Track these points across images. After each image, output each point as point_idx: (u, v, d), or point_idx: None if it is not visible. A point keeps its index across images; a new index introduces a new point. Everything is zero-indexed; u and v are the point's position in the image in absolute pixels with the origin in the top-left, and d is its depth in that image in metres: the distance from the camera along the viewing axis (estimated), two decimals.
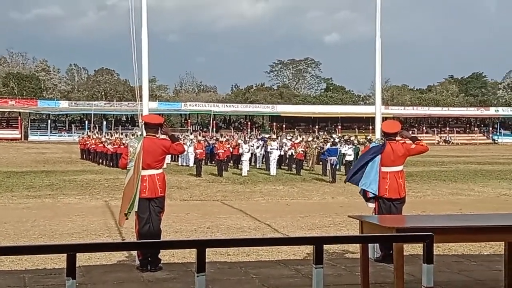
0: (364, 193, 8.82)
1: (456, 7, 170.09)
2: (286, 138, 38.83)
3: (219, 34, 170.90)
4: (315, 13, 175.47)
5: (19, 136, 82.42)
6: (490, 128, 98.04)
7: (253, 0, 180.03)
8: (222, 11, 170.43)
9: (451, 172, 32.40)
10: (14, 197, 19.59)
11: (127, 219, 8.29)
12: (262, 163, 35.78)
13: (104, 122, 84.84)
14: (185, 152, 28.88)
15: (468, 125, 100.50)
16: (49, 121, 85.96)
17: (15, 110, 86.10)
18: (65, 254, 2.94)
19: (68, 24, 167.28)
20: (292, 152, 33.51)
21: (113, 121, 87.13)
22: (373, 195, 8.71)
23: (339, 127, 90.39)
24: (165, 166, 8.81)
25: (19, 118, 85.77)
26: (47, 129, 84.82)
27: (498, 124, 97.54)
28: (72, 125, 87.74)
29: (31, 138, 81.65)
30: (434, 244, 3.98)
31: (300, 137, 43.01)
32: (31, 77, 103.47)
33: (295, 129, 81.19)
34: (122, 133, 52.12)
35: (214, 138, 41.83)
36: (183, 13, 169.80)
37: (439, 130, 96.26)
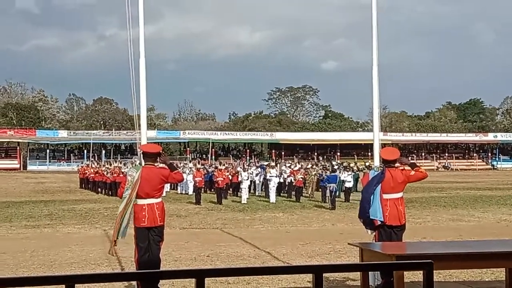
0: (369, 221, 8.78)
1: (453, 34, 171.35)
2: (285, 165, 38.84)
3: (217, 63, 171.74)
4: (312, 41, 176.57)
5: (18, 166, 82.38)
6: (489, 154, 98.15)
7: (250, 30, 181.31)
8: (220, 41, 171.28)
9: (451, 198, 32.35)
10: (13, 227, 19.51)
11: (115, 245, 8.31)
12: (262, 190, 35.74)
13: (103, 151, 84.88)
14: (184, 180, 28.87)
15: (467, 151, 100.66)
16: (48, 150, 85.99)
17: (14, 140, 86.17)
18: (64, 286, 2.93)
19: (66, 55, 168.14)
20: (291, 179, 33.48)
21: (112, 150, 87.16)
22: (380, 222, 8.69)
23: (338, 153, 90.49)
24: (164, 194, 8.82)
25: (18, 148, 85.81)
26: (46, 159, 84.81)
27: (497, 149, 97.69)
28: (71, 155, 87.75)
29: (30, 168, 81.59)
30: (435, 271, 3.96)
31: (299, 164, 43.00)
32: (29, 107, 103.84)
33: (294, 156, 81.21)
34: (121, 162, 52.06)
35: (213, 166, 41.80)
36: (181, 43, 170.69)
37: (438, 156, 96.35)
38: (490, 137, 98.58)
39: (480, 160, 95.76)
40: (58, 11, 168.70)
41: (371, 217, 8.72)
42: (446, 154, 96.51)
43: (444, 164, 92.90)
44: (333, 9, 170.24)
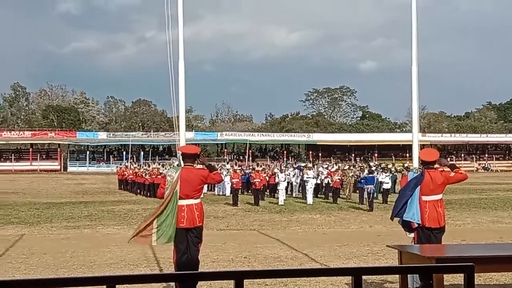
0: (407, 223, 8.70)
1: (493, 32, 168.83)
2: (323, 167, 38.69)
3: (254, 63, 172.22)
4: (350, 42, 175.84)
5: (58, 167, 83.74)
6: None
7: (287, 30, 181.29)
8: (257, 41, 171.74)
9: (491, 199, 31.87)
10: (54, 228, 19.81)
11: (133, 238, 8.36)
12: (299, 192, 35.67)
13: (142, 153, 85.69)
14: (222, 182, 28.98)
15: (507, 152, 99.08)
16: (87, 152, 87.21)
17: (54, 142, 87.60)
18: (105, 286, 2.97)
19: (106, 57, 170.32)
20: (328, 181, 33.34)
21: (150, 151, 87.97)
22: (417, 225, 8.61)
23: (376, 155, 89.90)
24: (202, 196, 8.86)
25: (59, 149, 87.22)
26: (86, 160, 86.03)
27: None
28: (110, 156, 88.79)
29: (70, 169, 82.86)
30: (475, 274, 3.91)
31: (336, 165, 42.81)
32: (70, 109, 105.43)
33: (331, 158, 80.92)
34: (159, 163, 52.51)
35: (251, 167, 41.87)
36: (218, 43, 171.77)
37: (477, 157, 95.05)
38: None
39: None
40: (97, 13, 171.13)
41: (405, 219, 8.63)
42: (486, 155, 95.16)
43: (484, 165, 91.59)
44: (371, 8, 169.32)
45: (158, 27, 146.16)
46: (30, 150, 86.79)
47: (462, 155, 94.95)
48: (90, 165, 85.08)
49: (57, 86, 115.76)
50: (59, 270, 11.61)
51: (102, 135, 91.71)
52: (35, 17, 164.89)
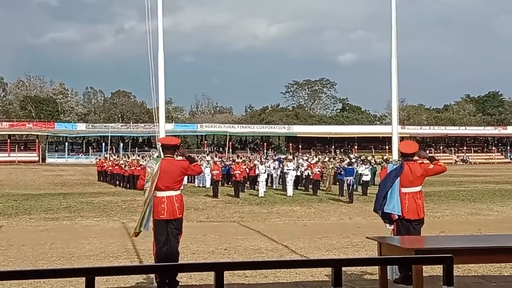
0: (387, 215, 8.73)
1: (472, 26, 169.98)
2: (303, 159, 38.76)
3: (234, 55, 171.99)
4: (330, 34, 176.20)
5: (36, 158, 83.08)
6: (508, 147, 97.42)
7: (268, 22, 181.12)
8: (237, 33, 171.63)
9: (470, 191, 32.15)
10: (32, 219, 19.67)
11: (135, 236, 8.38)
12: (279, 183, 35.72)
13: (121, 144, 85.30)
14: (202, 173, 28.93)
15: (485, 144, 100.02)
16: (66, 143, 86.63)
17: (32, 133, 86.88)
18: (84, 278, 2.95)
19: (85, 48, 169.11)
20: (308, 173, 33.42)
21: (129, 143, 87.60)
22: (398, 217, 8.65)
23: (356, 147, 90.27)
24: (182, 187, 8.83)
25: (37, 141, 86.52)
26: (65, 152, 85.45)
27: None
28: (89, 147, 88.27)
29: (48, 160, 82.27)
30: (454, 265, 3.94)
31: (316, 157, 42.92)
32: (48, 100, 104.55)
33: (311, 150, 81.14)
34: (139, 155, 52.32)
35: (231, 159, 41.84)
36: (198, 35, 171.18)
37: (456, 149, 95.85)
38: (509, 130, 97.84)
39: (499, 154, 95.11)
40: (76, 4, 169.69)
41: (386, 211, 8.67)
42: (465, 148, 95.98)
43: (462, 157, 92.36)
44: (352, 1, 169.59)
45: (138, 18, 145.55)
46: (8, 141, 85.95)
47: (441, 147, 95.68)
48: (69, 156, 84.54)
49: (35, 77, 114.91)
50: (37, 262, 11.54)
51: (81, 127, 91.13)
52: (14, 8, 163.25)
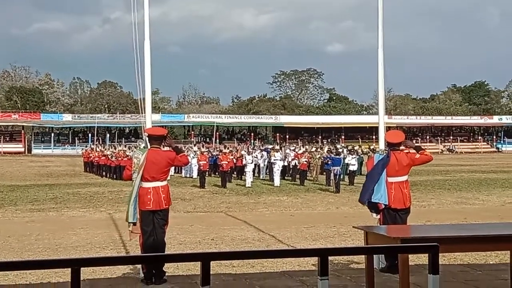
0: (374, 204, 8.76)
1: (458, 16, 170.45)
2: (290, 149, 38.82)
3: (221, 45, 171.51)
4: (318, 24, 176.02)
5: (22, 149, 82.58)
6: (494, 137, 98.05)
7: (255, 12, 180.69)
8: (224, 23, 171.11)
9: (456, 181, 32.35)
10: (18, 210, 19.59)
11: (130, 229, 8.33)
12: (266, 174, 35.78)
13: (108, 135, 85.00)
14: (189, 164, 28.92)
15: (471, 134, 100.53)
16: (52, 134, 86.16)
17: (18, 124, 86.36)
18: (70, 269, 2.94)
19: (71, 38, 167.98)
20: (295, 163, 33.47)
21: (116, 134, 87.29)
22: (384, 206, 8.68)
23: (343, 137, 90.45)
24: (168, 178, 8.81)
25: (23, 131, 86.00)
26: (51, 143, 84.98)
27: (502, 132, 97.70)
28: (76, 138, 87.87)
29: (34, 151, 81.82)
30: (440, 254, 3.96)
31: (303, 147, 42.98)
32: (34, 90, 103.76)
33: (299, 140, 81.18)
34: (125, 146, 52.15)
35: (218, 149, 41.82)
36: (185, 25, 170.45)
37: (442, 139, 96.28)
38: (495, 120, 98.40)
39: (485, 143, 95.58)
40: None
41: (373, 200, 8.70)
42: (451, 137, 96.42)
43: (448, 147, 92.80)
44: None
45: (124, 9, 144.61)
46: None
47: (427, 137, 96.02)
48: (55, 147, 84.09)
49: (21, 67, 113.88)
50: (23, 253, 11.50)
51: (67, 117, 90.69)
52: None
